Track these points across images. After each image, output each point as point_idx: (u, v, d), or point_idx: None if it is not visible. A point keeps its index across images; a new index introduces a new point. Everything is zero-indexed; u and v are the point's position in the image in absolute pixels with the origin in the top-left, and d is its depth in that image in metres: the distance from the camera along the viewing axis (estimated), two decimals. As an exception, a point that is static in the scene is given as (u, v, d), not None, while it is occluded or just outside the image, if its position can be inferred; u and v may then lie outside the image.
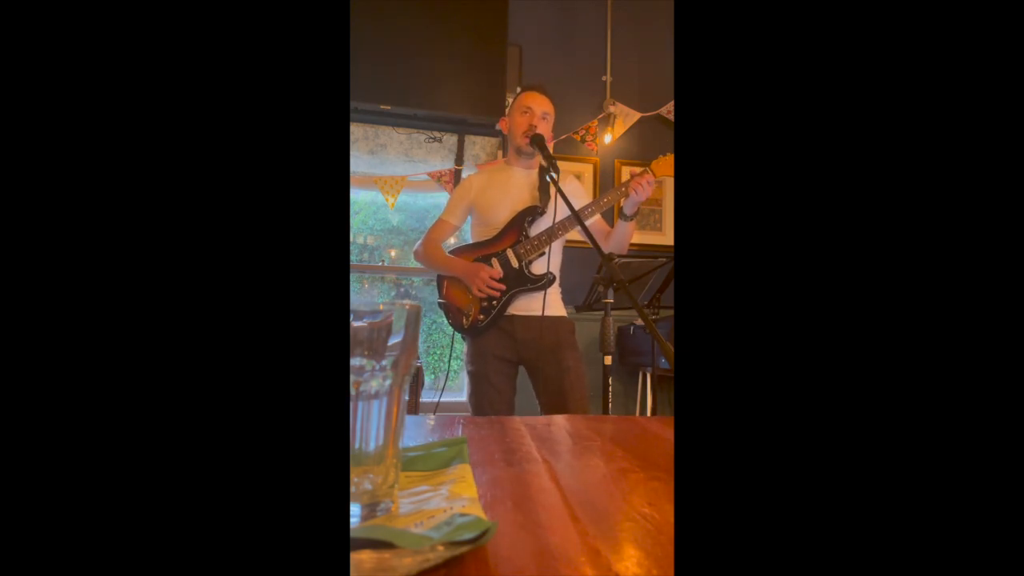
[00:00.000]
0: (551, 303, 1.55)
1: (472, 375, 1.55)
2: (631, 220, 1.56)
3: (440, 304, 1.59)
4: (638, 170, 1.52)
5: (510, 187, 1.58)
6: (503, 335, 1.53)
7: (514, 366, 1.57)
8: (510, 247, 1.53)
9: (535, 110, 1.56)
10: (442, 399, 2.58)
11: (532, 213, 1.54)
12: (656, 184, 1.56)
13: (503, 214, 1.56)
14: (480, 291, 1.49)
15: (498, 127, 2.59)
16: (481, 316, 1.52)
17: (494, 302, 1.51)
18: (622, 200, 1.53)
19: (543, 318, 1.53)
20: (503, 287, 1.50)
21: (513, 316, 1.53)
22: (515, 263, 1.52)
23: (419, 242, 1.63)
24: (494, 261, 1.54)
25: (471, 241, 1.63)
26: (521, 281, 1.52)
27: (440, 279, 1.60)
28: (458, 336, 1.60)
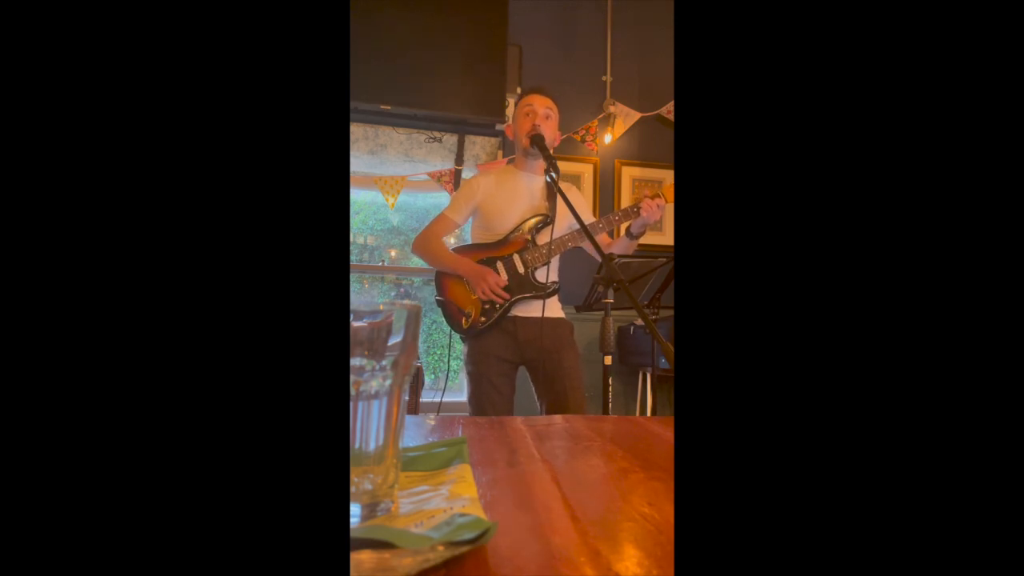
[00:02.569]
0: (551, 305, 1.56)
1: (472, 375, 1.55)
2: (636, 239, 1.57)
3: (438, 302, 1.58)
4: (649, 193, 1.52)
5: (517, 193, 1.58)
6: (505, 335, 1.53)
7: (515, 366, 1.57)
8: (516, 253, 1.53)
9: (537, 109, 1.56)
10: (440, 399, 2.57)
11: (539, 222, 1.54)
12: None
13: (509, 220, 1.56)
14: (484, 294, 1.49)
15: (499, 127, 2.60)
16: (482, 319, 1.52)
17: (497, 306, 1.51)
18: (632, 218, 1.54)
19: (544, 319, 1.53)
20: (507, 295, 1.50)
21: (515, 317, 1.54)
22: (521, 269, 1.53)
23: (419, 234, 1.62)
24: (499, 266, 1.54)
25: (470, 241, 1.63)
26: (526, 288, 1.52)
27: (440, 276, 1.59)
28: (456, 336, 1.60)
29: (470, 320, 1.52)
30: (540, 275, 1.54)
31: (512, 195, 1.58)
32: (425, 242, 1.60)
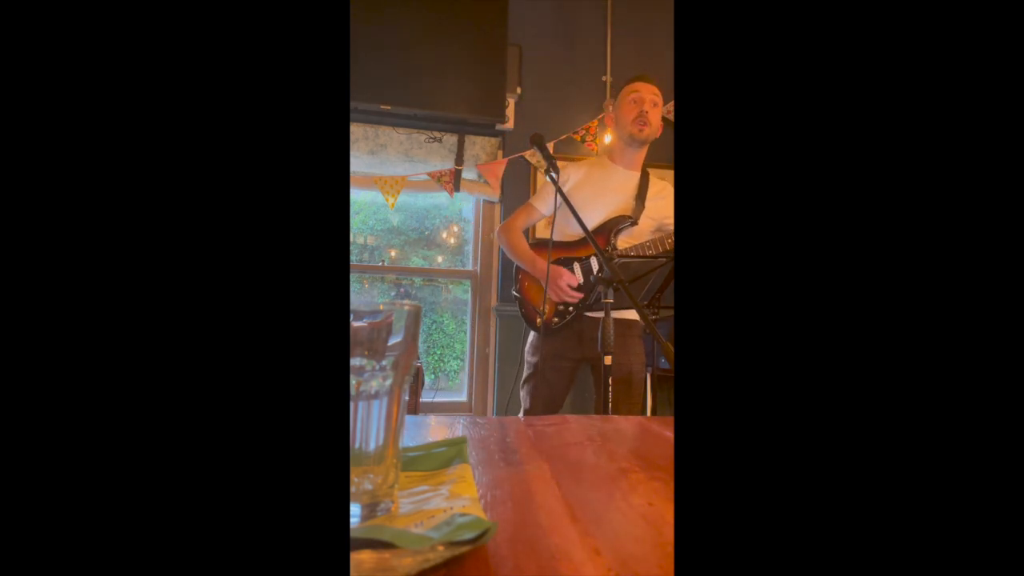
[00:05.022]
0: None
1: (528, 365, 1.55)
2: None
3: (514, 297, 1.58)
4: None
5: (606, 188, 1.52)
6: (570, 333, 1.51)
7: (576, 364, 1.55)
8: (595, 255, 1.48)
9: (644, 96, 1.49)
10: (440, 399, 2.57)
11: (622, 223, 1.48)
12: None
13: (594, 217, 1.49)
14: (556, 297, 1.46)
15: (499, 127, 2.60)
16: (555, 319, 1.50)
17: (570, 307, 1.48)
18: None
19: (612, 320, 1.52)
20: (580, 295, 1.46)
21: (585, 316, 1.51)
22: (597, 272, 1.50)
23: (502, 224, 1.60)
24: (576, 266, 1.50)
25: (553, 235, 1.61)
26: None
27: (518, 272, 1.58)
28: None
29: (543, 319, 1.51)
30: None
31: (600, 190, 1.52)
32: (507, 232, 1.57)
